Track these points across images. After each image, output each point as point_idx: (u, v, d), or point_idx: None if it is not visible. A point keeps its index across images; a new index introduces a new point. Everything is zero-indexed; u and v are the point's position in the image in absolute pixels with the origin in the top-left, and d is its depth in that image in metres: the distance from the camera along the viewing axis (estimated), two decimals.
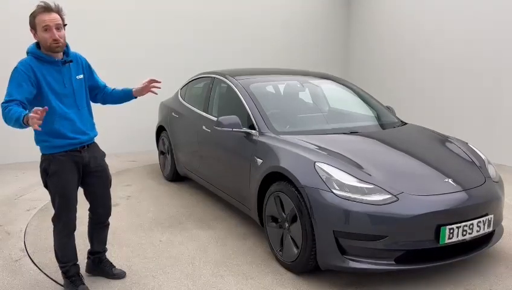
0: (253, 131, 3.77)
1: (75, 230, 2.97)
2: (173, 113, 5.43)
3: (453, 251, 2.97)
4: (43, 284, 3.10)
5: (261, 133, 3.71)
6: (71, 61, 2.81)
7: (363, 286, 3.04)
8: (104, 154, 3.05)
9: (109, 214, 3.12)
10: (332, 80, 4.87)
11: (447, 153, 3.65)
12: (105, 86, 3.16)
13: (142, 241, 3.79)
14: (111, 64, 6.93)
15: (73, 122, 2.78)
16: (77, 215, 2.94)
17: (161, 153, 5.87)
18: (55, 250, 2.96)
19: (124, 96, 3.14)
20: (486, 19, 6.40)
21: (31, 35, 2.70)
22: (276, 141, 3.54)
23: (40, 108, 2.32)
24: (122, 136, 7.24)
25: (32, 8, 2.68)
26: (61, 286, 3.05)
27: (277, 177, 3.33)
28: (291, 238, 3.19)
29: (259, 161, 3.54)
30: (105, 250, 3.24)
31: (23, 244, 3.74)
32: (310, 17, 8.76)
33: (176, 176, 5.51)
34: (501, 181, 3.46)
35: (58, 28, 2.63)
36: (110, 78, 7.40)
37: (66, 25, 2.70)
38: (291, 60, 8.25)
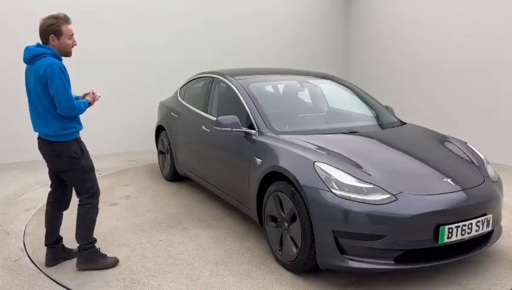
0: (252, 131, 3.77)
1: None
2: (172, 113, 5.43)
3: (452, 250, 2.97)
4: (43, 284, 3.10)
5: (260, 133, 3.71)
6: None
7: (362, 285, 3.04)
8: None
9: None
10: (332, 80, 4.88)
11: (446, 153, 3.65)
12: None
13: (141, 241, 3.80)
14: (110, 64, 6.96)
15: None
16: None
17: (160, 152, 5.87)
18: (83, 231, 3.26)
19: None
20: (486, 19, 6.41)
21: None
22: (275, 141, 3.54)
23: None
24: (122, 136, 7.25)
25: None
26: (61, 285, 3.06)
27: (276, 177, 3.34)
28: (291, 238, 3.19)
29: (259, 160, 3.54)
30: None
31: (23, 244, 3.74)
32: (310, 17, 8.78)
33: (175, 176, 5.51)
34: (500, 181, 3.46)
35: None
36: (109, 78, 7.45)
37: None
38: (291, 60, 8.27)
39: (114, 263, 3.36)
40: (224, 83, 4.55)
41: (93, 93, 3.25)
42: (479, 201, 3.06)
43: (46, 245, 3.39)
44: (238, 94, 4.17)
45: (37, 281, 3.14)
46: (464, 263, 3.28)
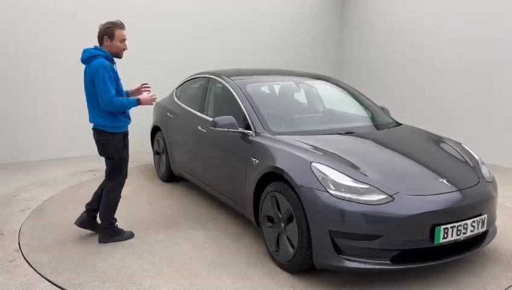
0: (249, 131, 3.78)
1: None
2: (168, 113, 5.43)
3: (447, 250, 2.99)
4: (38, 284, 3.08)
5: (256, 134, 3.72)
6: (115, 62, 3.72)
7: (358, 285, 3.05)
8: None
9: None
10: (327, 81, 4.89)
11: (441, 154, 3.68)
12: None
13: (137, 242, 3.79)
14: None
15: None
16: None
17: (156, 153, 5.86)
18: (108, 212, 3.78)
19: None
20: (483, 19, 6.41)
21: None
22: (272, 141, 3.55)
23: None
24: None
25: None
26: (56, 286, 3.05)
27: (273, 177, 3.34)
28: (287, 238, 3.20)
29: (255, 161, 3.54)
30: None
31: (18, 245, 3.72)
32: (305, 17, 8.78)
33: (170, 176, 5.50)
34: (494, 181, 3.49)
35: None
36: None
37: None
38: (287, 59, 8.29)
39: (130, 235, 3.87)
40: (221, 83, 4.55)
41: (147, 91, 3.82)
42: (474, 201, 3.08)
43: (87, 207, 3.86)
44: (235, 95, 4.17)
45: (33, 281, 3.12)
46: (460, 263, 3.30)
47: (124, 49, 3.67)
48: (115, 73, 3.61)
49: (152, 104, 3.81)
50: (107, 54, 3.58)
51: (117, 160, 3.72)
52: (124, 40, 3.64)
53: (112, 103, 3.49)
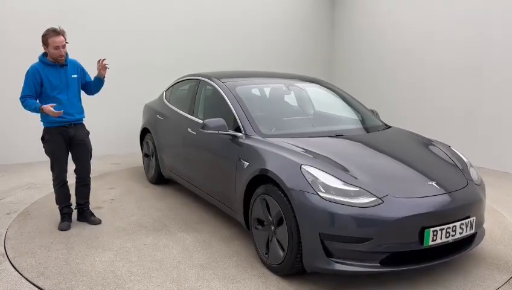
0: (239, 134, 3.76)
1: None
2: (158, 116, 5.39)
3: (436, 252, 3.00)
4: (24, 289, 3.03)
5: (247, 136, 3.71)
6: (66, 65, 3.90)
7: (348, 288, 3.05)
8: (87, 133, 4.14)
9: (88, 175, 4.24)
10: (317, 83, 4.91)
11: (430, 156, 3.70)
12: (91, 80, 4.17)
13: (126, 245, 3.74)
14: (94, 65, 6.86)
15: (64, 106, 3.82)
16: None
17: (145, 155, 5.82)
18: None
19: (96, 82, 4.14)
20: (475, 20, 6.45)
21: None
22: (262, 144, 3.54)
23: (51, 107, 3.66)
24: (105, 138, 7.14)
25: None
26: None
27: (263, 180, 3.33)
28: (277, 241, 3.18)
29: (246, 163, 3.53)
30: (86, 203, 4.25)
31: (4, 249, 3.65)
32: (296, 17, 8.80)
33: (160, 179, 5.46)
34: (483, 184, 3.52)
35: (63, 47, 3.79)
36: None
37: (67, 43, 3.83)
38: (277, 61, 8.33)
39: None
40: (211, 85, 4.53)
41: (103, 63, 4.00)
42: (463, 204, 3.10)
43: (77, 205, 4.25)
44: (225, 97, 4.15)
45: (19, 286, 3.06)
46: (448, 265, 3.32)
47: (60, 55, 3.76)
48: (42, 76, 3.77)
49: (53, 115, 3.69)
50: (41, 57, 3.82)
51: (45, 151, 4.05)
52: (57, 47, 3.71)
53: (22, 102, 3.80)
